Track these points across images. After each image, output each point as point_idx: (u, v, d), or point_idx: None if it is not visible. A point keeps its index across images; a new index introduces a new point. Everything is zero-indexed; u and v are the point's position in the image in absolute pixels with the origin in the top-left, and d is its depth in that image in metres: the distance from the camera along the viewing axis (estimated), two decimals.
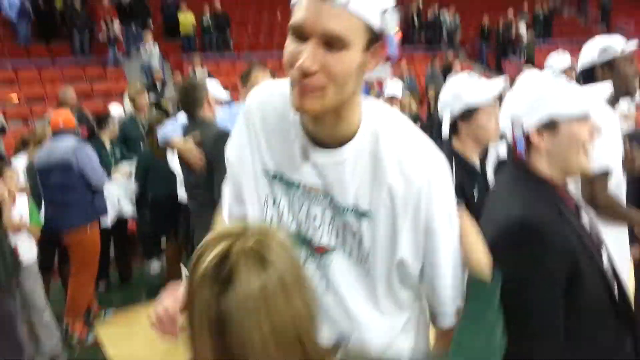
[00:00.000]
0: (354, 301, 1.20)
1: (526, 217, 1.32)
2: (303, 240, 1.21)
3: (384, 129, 1.13)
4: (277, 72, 3.45)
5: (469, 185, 2.12)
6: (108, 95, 11.27)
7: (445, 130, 2.25)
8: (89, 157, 4.34)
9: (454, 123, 2.21)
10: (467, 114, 2.16)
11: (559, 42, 16.87)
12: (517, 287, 1.28)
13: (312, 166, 1.15)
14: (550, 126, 1.42)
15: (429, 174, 1.11)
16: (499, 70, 15.57)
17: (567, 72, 4.10)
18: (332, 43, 0.99)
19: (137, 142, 5.72)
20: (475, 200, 2.10)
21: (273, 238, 0.92)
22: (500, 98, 2.01)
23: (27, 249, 3.94)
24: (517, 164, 1.49)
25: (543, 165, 1.45)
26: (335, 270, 1.19)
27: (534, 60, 14.69)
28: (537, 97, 1.44)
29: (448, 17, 15.69)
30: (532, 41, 15.40)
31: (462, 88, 2.18)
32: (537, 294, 1.30)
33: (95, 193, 4.45)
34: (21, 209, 4.05)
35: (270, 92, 1.22)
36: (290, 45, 1.02)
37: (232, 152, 1.28)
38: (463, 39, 16.39)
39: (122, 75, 12.03)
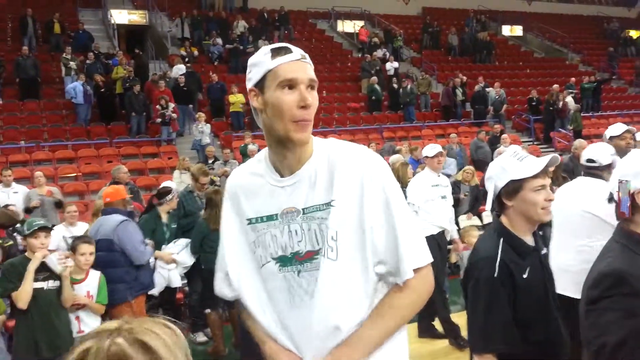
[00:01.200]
0: (338, 310, 1.47)
1: (615, 269, 1.47)
2: (290, 258, 1.53)
3: (331, 148, 1.54)
4: None
5: (517, 265, 1.98)
6: (160, 171, 11.73)
7: (489, 204, 2.15)
8: (130, 235, 4.37)
9: (500, 199, 2.09)
10: (511, 189, 2.04)
11: (608, 113, 16.63)
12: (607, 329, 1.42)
13: (284, 193, 1.53)
14: None
15: (366, 163, 1.51)
16: (547, 141, 15.34)
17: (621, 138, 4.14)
18: (313, 85, 1.48)
19: (195, 216, 5.74)
20: (527, 278, 1.97)
21: (146, 333, 0.85)
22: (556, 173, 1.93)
23: (90, 323, 3.94)
24: (621, 224, 1.62)
25: None
26: (324, 271, 1.48)
27: (581, 131, 14.43)
28: None
29: (494, 92, 15.76)
30: (579, 112, 15.18)
31: (507, 162, 2.08)
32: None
33: (140, 268, 4.48)
34: (91, 284, 4.04)
35: (242, 169, 1.67)
36: (286, 95, 1.44)
37: (223, 228, 1.66)
38: (509, 111, 16.37)
39: (174, 152, 12.54)
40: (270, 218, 1.55)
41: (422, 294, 1.54)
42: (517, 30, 23.49)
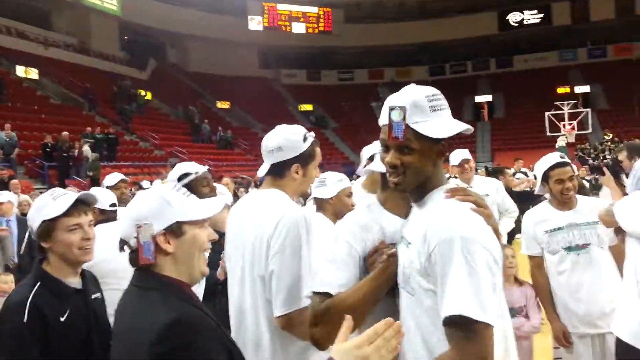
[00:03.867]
0: None
1: (179, 316, 1.37)
2: None
3: None
4: None
5: (53, 308, 1.91)
6: None
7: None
8: None
9: (39, 244, 2.00)
10: (45, 230, 1.96)
11: (121, 163, 17.88)
12: None
13: None
14: (177, 231, 1.50)
15: None
16: (63, 188, 15.17)
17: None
18: None
19: None
20: (66, 321, 1.93)
21: None
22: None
23: None
24: (142, 271, 1.50)
25: (169, 269, 1.50)
26: None
27: (99, 179, 14.95)
28: (165, 203, 1.51)
29: (4, 134, 14.56)
30: (98, 161, 15.71)
31: (42, 202, 2.01)
32: None
33: None
34: None
35: None
36: None
37: None
38: (22, 155, 15.42)
39: None
40: None
41: None
42: (33, 73, 22.51)
